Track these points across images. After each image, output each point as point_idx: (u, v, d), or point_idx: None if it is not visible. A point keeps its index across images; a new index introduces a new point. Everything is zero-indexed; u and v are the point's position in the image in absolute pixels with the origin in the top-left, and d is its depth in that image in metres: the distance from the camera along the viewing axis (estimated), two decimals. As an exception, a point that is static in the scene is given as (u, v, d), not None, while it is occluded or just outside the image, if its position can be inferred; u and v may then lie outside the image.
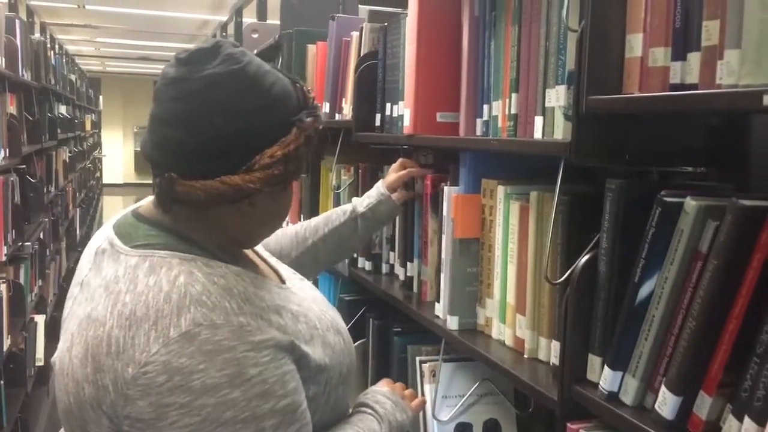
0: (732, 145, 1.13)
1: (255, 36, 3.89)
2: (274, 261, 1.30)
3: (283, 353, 1.01)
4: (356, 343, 1.61)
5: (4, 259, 3.43)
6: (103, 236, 1.11)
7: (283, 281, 1.21)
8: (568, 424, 1.07)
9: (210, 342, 0.95)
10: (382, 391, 1.29)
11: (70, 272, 6.30)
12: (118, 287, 1.01)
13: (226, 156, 1.01)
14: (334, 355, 1.13)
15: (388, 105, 1.82)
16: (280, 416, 0.99)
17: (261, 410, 0.97)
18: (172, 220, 1.08)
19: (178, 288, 0.98)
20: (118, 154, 17.23)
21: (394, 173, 1.72)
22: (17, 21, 4.24)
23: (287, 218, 2.69)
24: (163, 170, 1.03)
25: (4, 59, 3.66)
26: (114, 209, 13.13)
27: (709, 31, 0.87)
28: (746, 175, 1.13)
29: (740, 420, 0.83)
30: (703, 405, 0.89)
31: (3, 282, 3.49)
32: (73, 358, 1.01)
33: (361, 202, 1.68)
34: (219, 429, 0.94)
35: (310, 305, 1.15)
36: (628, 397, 0.99)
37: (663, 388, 0.93)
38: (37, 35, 6.07)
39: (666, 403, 0.92)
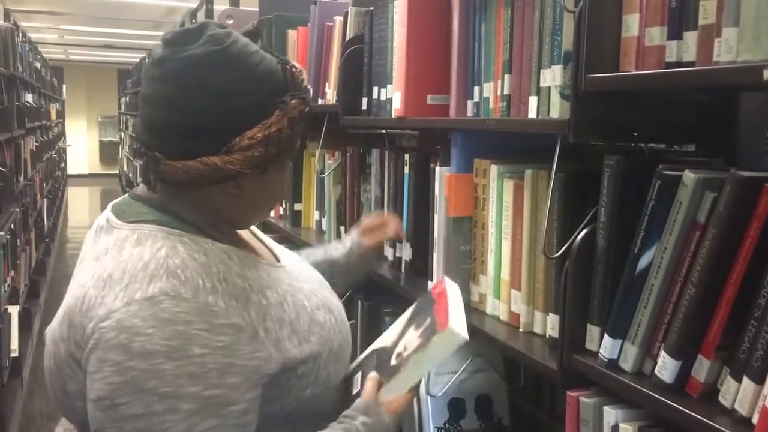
0: (721, 123, 1.17)
1: (230, 22, 3.86)
2: (269, 241, 1.31)
3: (242, 345, 1.00)
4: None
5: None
6: (102, 216, 1.15)
7: (278, 260, 1.23)
8: (568, 392, 1.11)
9: (168, 311, 0.97)
10: (374, 410, 1.12)
11: (40, 264, 6.21)
12: (107, 257, 1.05)
13: (206, 136, 1.03)
14: (323, 333, 1.14)
15: (376, 89, 1.84)
16: (201, 404, 0.96)
17: (183, 391, 0.95)
18: (165, 199, 1.10)
19: (157, 259, 1.01)
20: (82, 144, 16.92)
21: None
22: (-15, 7, 4.16)
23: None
24: (149, 149, 1.06)
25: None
26: (80, 200, 12.96)
27: (707, 10, 0.91)
28: (734, 150, 1.17)
29: (738, 380, 0.87)
30: (702, 368, 0.93)
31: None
32: (54, 322, 1.07)
33: (336, 247, 1.60)
34: (135, 395, 0.95)
35: (301, 285, 1.17)
36: (627, 364, 1.03)
37: (662, 353, 0.97)
38: (2, 21, 5.94)
39: (665, 367, 0.96)
